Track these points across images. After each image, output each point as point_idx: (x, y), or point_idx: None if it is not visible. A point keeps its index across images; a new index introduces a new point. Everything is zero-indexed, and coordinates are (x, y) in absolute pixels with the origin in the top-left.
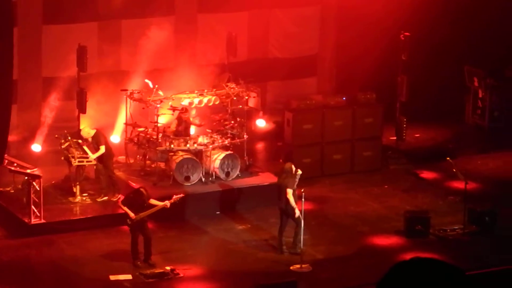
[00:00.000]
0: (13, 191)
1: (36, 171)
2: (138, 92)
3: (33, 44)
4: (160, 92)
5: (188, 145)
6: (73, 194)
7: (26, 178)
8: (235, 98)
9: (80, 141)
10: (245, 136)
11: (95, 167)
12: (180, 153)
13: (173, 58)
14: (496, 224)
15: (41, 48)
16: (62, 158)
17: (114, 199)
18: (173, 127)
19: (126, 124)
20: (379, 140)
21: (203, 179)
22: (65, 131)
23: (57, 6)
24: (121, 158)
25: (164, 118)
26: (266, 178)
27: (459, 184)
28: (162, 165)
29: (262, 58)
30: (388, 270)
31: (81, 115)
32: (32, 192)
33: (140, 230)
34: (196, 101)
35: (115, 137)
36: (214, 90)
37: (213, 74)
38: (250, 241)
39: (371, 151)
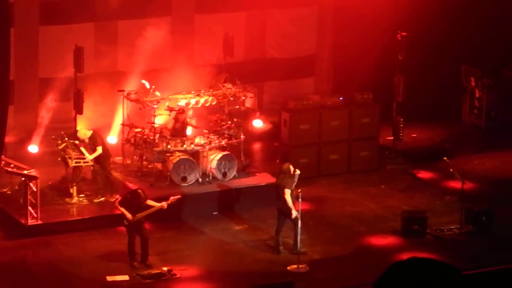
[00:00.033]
0: (10, 192)
1: (33, 172)
2: (135, 93)
3: (30, 45)
4: (157, 93)
5: (185, 146)
6: (70, 195)
7: (23, 179)
8: (232, 99)
9: (77, 142)
10: (242, 136)
11: (92, 168)
12: (177, 153)
13: (170, 59)
14: (493, 224)
15: (38, 49)
16: (59, 159)
17: (111, 200)
18: (169, 127)
19: (123, 124)
20: (376, 140)
21: (200, 180)
22: (62, 132)
23: (54, 7)
24: (118, 158)
25: (161, 118)
26: (263, 179)
27: (456, 184)
28: (159, 165)
29: (259, 59)
30: (385, 270)
31: (78, 116)
32: (29, 193)
33: (137, 231)
34: (193, 101)
35: (112, 138)
36: (211, 90)
37: (210, 75)
38: (247, 241)
39: (368, 151)
